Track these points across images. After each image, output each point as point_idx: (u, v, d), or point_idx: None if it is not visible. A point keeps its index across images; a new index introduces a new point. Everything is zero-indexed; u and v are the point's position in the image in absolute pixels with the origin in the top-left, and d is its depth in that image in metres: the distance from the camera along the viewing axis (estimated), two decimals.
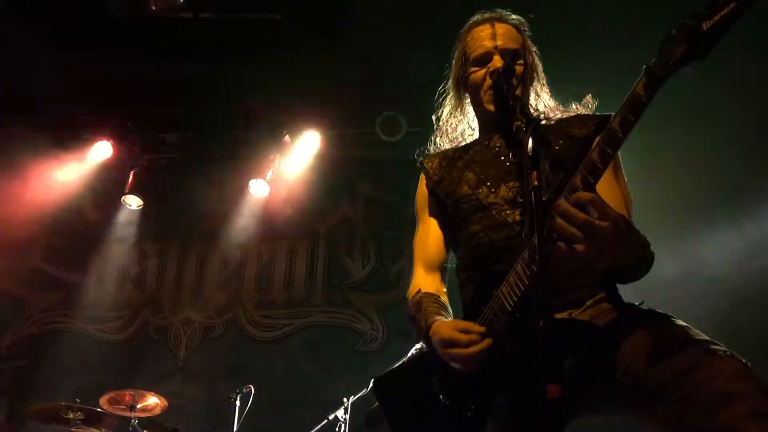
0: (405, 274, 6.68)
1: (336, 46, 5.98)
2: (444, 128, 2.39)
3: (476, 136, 2.32)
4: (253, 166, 6.93)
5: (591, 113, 2.12)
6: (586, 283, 1.86)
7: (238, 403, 4.98)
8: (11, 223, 6.84)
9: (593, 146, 1.56)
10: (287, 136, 6.85)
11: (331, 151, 7.01)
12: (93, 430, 4.78)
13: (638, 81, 1.47)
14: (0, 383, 6.43)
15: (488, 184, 2.08)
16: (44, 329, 6.77)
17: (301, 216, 7.01)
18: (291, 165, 6.92)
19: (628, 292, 1.87)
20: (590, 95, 2.17)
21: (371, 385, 2.17)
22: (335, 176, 7.08)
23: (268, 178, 6.88)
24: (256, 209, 7.01)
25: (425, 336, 1.99)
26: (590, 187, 1.54)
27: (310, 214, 7.04)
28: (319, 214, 7.08)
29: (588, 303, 1.84)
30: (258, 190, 6.91)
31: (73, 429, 4.69)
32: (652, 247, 1.69)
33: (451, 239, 2.25)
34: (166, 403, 5.05)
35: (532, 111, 2.16)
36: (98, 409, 4.80)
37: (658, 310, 1.79)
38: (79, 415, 4.67)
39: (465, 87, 2.26)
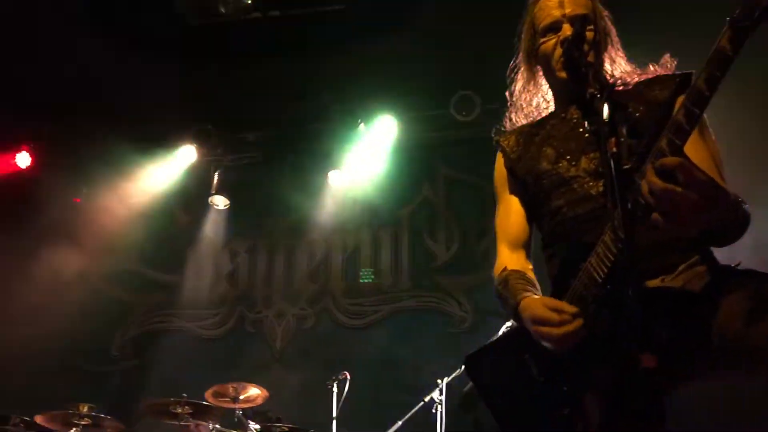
0: (491, 254, 6.61)
1: (405, 29, 5.97)
2: (518, 103, 2.35)
3: (551, 109, 2.27)
4: (332, 157, 7.02)
5: (671, 73, 2.03)
6: (677, 248, 1.80)
7: (335, 389, 5.09)
8: (109, 231, 7.20)
9: (678, 107, 1.50)
10: (362, 124, 6.90)
11: (407, 135, 7.01)
12: (201, 422, 4.99)
13: (722, 34, 1.40)
14: (112, 383, 6.81)
15: (568, 157, 2.04)
16: (149, 329, 7.13)
17: (382, 203, 7.06)
18: (368, 153, 6.97)
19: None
20: (668, 55, 2.08)
21: (463, 363, 2.17)
22: (413, 160, 7.09)
23: (346, 167, 6.97)
24: (338, 199, 7.10)
25: (514, 313, 1.98)
26: (677, 150, 1.48)
27: (390, 200, 7.07)
28: (400, 200, 7.11)
29: (681, 267, 1.78)
30: (338, 181, 7.01)
31: (182, 423, 4.92)
32: (746, 206, 1.62)
33: (533, 216, 2.23)
34: (267, 393, 5.21)
35: (608, 77, 2.10)
36: (204, 403, 5.00)
37: (757, 270, 1.72)
38: (187, 409, 4.88)
39: (536, 59, 2.21)
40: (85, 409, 4.87)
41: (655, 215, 1.49)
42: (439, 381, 4.82)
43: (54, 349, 6.68)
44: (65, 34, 6.03)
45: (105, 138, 7.05)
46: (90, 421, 4.86)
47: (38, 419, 4.91)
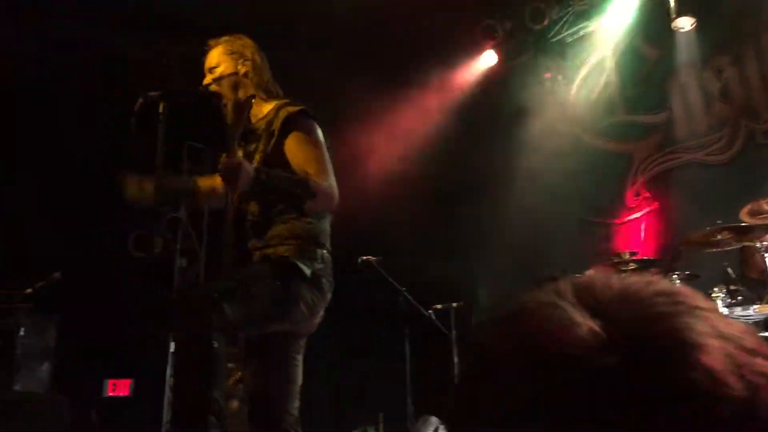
0: None
1: None
2: None
3: None
4: None
5: None
6: None
7: None
8: (586, 93, 7.39)
9: None
10: None
11: None
12: (746, 243, 4.86)
13: None
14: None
15: None
16: (658, 171, 7.10)
17: None
18: None
19: None
20: None
21: None
22: None
23: None
24: None
25: None
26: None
27: None
28: None
29: None
30: None
31: (725, 249, 4.87)
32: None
33: None
34: None
35: None
36: (743, 224, 4.83)
37: None
38: (727, 234, 4.79)
39: None
40: (627, 256, 5.18)
41: None
42: None
43: (568, 212, 7.18)
44: None
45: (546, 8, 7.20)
46: (636, 266, 5.15)
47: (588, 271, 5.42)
